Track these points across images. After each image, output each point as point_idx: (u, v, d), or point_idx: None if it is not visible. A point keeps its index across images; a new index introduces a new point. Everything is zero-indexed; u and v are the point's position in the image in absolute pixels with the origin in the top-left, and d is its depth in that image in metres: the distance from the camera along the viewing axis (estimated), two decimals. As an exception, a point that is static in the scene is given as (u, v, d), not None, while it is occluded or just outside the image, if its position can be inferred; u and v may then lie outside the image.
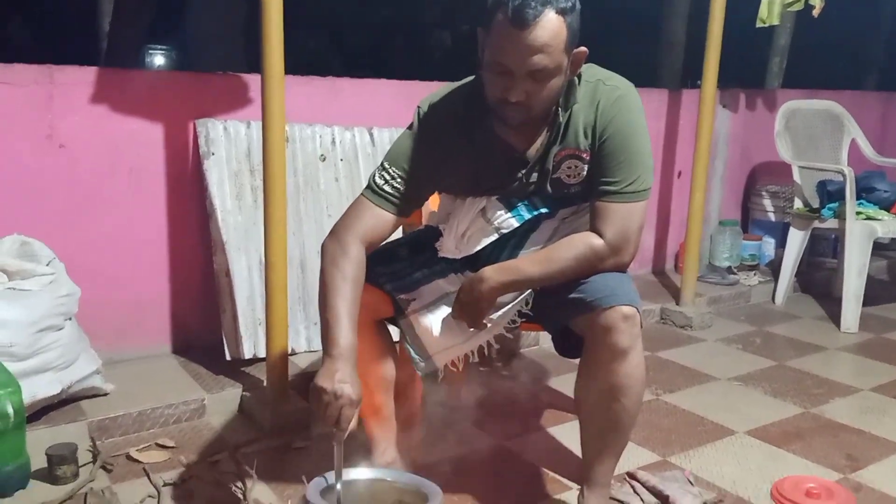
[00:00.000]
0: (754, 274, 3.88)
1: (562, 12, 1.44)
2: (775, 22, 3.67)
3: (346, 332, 1.44)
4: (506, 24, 1.43)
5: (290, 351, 2.37)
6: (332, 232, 1.60)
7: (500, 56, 1.46)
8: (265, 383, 2.34)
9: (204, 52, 6.17)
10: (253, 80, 2.57)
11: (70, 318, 2.17)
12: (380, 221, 1.60)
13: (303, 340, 2.64)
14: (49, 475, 1.88)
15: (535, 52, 1.44)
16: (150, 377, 2.44)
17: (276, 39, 2.06)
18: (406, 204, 1.63)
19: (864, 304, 3.34)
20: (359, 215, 1.60)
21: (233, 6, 6.07)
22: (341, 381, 1.36)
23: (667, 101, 3.83)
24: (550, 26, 1.43)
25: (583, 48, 1.52)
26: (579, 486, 1.74)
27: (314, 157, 2.70)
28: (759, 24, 3.66)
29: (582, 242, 1.57)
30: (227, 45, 6.04)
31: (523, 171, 1.64)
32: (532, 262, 1.60)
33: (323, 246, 1.58)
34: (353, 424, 1.38)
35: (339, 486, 1.36)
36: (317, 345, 2.65)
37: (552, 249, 1.60)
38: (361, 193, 1.63)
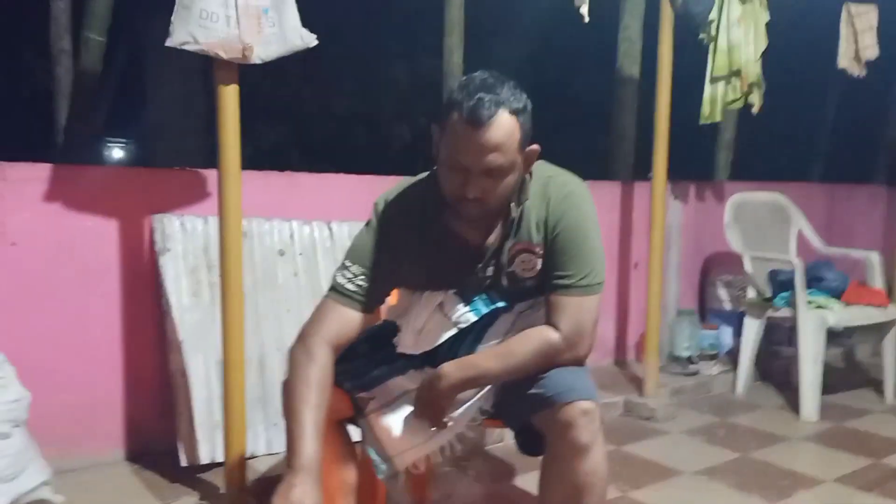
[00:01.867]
0: (714, 364, 3.90)
1: (515, 112, 1.50)
2: (718, 119, 3.80)
3: (308, 443, 1.42)
4: (461, 124, 1.48)
5: (248, 455, 2.28)
6: (298, 337, 1.58)
7: (457, 154, 1.50)
8: (223, 490, 2.25)
9: (164, 145, 6.20)
10: (210, 175, 2.58)
11: (19, 426, 2.08)
12: (346, 321, 1.60)
13: (262, 443, 2.55)
14: None
15: (490, 151, 1.48)
16: (101, 487, 2.33)
17: (232, 136, 2.09)
18: (370, 301, 1.63)
19: (823, 392, 3.36)
20: (324, 318, 1.59)
21: (192, 99, 6.15)
22: (295, 500, 1.33)
23: (620, 194, 3.92)
24: (505, 126, 1.48)
25: (535, 146, 1.58)
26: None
27: (272, 252, 2.69)
28: (702, 121, 3.78)
29: (538, 336, 1.58)
30: (187, 137, 6.08)
31: (479, 265, 1.66)
32: (490, 357, 1.60)
33: (290, 352, 1.57)
34: None
35: None
36: (276, 447, 2.56)
37: (509, 344, 1.60)
38: (325, 295, 1.63)
